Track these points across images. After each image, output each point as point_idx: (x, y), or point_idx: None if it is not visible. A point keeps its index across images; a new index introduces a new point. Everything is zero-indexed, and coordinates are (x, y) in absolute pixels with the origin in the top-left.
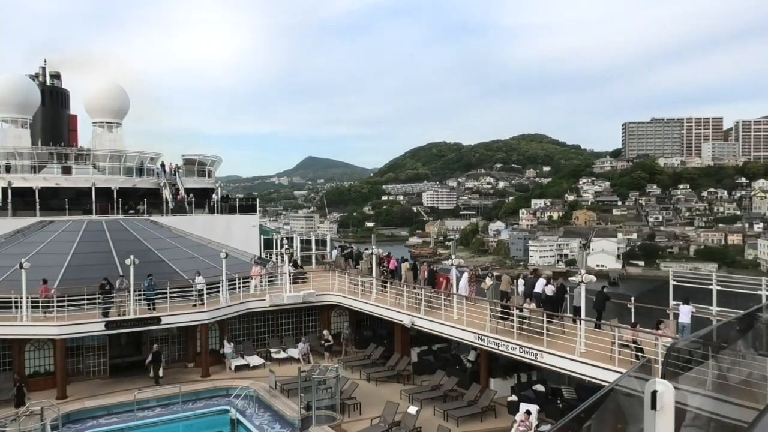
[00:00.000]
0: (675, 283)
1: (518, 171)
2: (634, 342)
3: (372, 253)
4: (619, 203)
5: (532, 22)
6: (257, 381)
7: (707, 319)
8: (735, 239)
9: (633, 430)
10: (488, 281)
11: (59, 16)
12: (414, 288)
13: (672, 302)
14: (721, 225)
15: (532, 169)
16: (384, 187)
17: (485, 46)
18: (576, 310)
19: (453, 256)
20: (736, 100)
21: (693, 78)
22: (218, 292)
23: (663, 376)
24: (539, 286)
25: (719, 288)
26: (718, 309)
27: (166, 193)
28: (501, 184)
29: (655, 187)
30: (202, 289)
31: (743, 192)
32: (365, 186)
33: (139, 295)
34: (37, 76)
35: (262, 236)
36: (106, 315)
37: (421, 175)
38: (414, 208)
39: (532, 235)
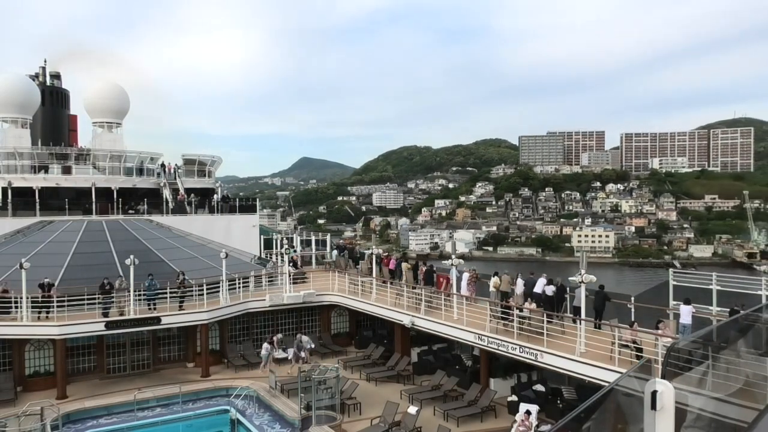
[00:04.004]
0: (675, 283)
1: (471, 174)
2: (634, 342)
3: (372, 253)
4: (493, 203)
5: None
6: (257, 381)
7: (707, 319)
8: (568, 231)
9: (633, 430)
10: (495, 280)
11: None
12: (414, 288)
13: (672, 302)
14: (562, 220)
15: None
16: (349, 188)
17: (483, 50)
18: (576, 310)
19: (453, 256)
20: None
21: (675, 84)
22: (218, 292)
23: (663, 376)
24: (539, 286)
25: (719, 288)
26: (718, 309)
27: (166, 193)
28: (451, 186)
29: (526, 190)
30: None
31: (593, 194)
32: (331, 187)
33: (140, 295)
34: (37, 76)
35: (262, 236)
36: (106, 315)
37: (384, 177)
38: (363, 208)
39: (420, 228)
